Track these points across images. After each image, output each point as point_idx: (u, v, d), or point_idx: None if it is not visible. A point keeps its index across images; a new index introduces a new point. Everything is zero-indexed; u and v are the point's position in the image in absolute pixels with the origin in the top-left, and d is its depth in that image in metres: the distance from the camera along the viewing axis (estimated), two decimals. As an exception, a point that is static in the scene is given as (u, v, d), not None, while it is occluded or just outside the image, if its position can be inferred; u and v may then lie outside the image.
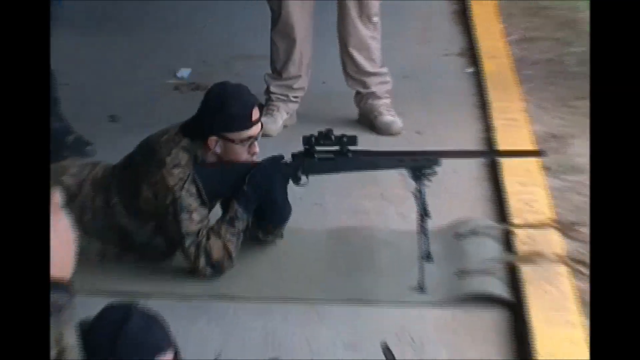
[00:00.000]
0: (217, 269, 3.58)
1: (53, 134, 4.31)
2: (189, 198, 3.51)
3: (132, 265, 3.68)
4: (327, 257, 3.85)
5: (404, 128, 4.83)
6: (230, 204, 3.62)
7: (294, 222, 3.84)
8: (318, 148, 3.66)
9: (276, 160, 3.68)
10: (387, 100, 4.88)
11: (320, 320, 3.45)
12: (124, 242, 3.67)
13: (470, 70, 5.67)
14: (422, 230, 3.58)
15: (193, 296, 3.55)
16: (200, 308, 3.48)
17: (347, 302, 3.56)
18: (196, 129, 3.61)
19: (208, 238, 3.54)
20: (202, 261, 3.54)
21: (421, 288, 3.56)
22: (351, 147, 3.65)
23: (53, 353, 1.64)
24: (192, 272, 3.59)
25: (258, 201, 3.62)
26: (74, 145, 4.43)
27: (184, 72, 5.52)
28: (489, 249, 3.81)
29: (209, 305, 3.51)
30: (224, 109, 3.58)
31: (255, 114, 3.63)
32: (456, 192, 4.21)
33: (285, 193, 3.71)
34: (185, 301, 3.50)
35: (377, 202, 4.22)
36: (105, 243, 3.65)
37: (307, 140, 3.67)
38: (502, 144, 4.64)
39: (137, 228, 3.64)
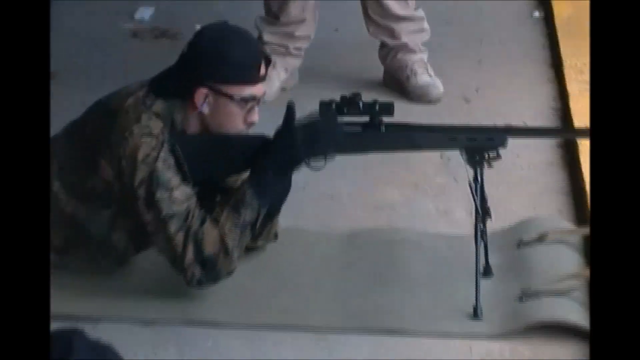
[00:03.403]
0: (209, 267, 1.51)
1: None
2: (167, 172, 1.52)
3: (79, 274, 1.57)
4: (337, 268, 1.69)
5: (445, 93, 2.29)
6: (237, 185, 1.61)
7: (294, 219, 1.69)
8: (341, 118, 1.57)
9: (301, 128, 1.59)
10: (424, 55, 2.34)
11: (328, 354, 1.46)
12: (69, 239, 1.60)
13: (538, 14, 2.81)
14: (479, 234, 1.57)
15: (159, 319, 1.51)
16: (168, 334, 1.50)
17: (363, 331, 1.52)
18: (175, 84, 1.57)
19: (202, 224, 1.53)
20: (189, 253, 1.50)
21: (475, 313, 1.56)
22: (385, 119, 1.55)
23: None
24: (176, 269, 1.53)
25: (277, 183, 1.57)
26: None
27: (145, 13, 2.71)
28: (563, 261, 1.70)
29: (180, 331, 1.52)
30: (224, 53, 1.56)
31: (263, 67, 1.58)
32: (521, 183, 1.97)
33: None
34: (149, 325, 1.50)
35: (410, 195, 1.95)
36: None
37: (325, 107, 1.54)
38: (577, 118, 2.14)
39: (90, 218, 1.59)
